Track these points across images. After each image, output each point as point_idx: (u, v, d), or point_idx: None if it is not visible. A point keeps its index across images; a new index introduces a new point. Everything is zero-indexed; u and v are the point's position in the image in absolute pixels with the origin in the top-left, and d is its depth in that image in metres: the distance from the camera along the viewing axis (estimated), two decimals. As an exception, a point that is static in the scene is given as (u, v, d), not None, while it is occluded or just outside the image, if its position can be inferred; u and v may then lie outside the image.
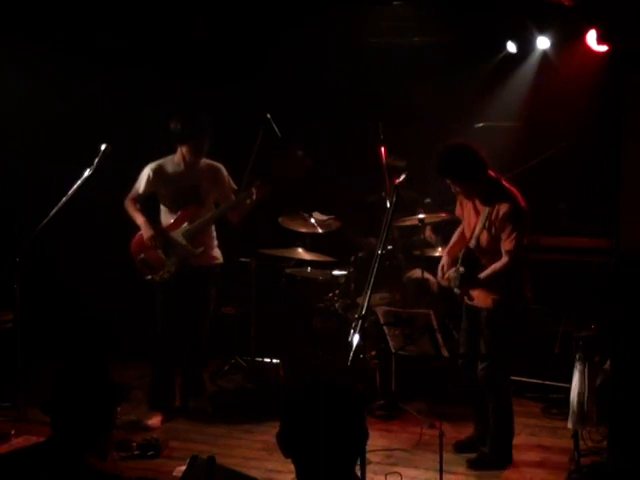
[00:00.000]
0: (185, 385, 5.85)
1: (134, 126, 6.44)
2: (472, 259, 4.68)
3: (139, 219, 5.60)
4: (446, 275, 4.79)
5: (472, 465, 4.81)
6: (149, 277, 5.62)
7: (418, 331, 4.22)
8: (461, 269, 4.65)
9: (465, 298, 4.81)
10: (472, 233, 4.74)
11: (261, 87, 6.95)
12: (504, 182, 4.73)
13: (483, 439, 4.94)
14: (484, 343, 4.71)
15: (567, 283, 5.92)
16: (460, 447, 5.01)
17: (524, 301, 4.80)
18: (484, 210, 4.68)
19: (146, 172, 5.65)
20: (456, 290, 4.77)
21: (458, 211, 5.02)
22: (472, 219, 4.77)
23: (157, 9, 6.65)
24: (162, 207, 5.69)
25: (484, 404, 4.90)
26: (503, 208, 4.61)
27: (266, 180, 5.48)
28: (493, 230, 4.63)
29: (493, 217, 4.63)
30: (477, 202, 4.76)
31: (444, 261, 4.90)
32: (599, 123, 6.14)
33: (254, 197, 5.49)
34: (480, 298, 4.74)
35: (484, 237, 4.68)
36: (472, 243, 4.70)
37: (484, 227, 4.66)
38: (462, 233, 4.97)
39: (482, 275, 4.61)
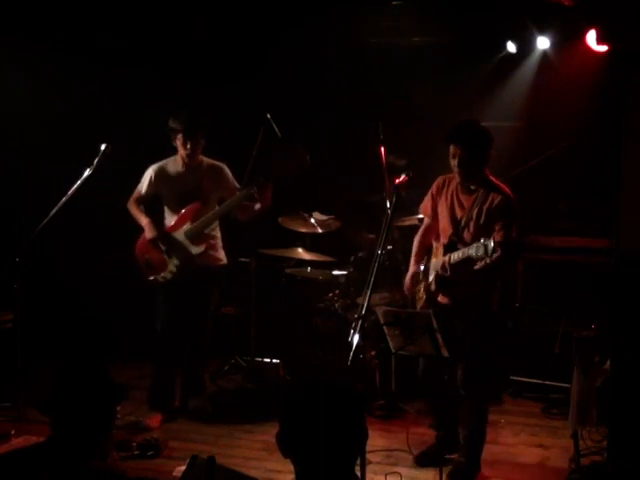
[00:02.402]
0: (185, 385, 5.85)
1: (134, 126, 6.45)
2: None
3: (143, 220, 5.61)
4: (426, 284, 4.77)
5: (454, 478, 4.69)
6: (152, 278, 5.62)
7: (418, 331, 4.21)
8: (447, 258, 4.59)
9: (440, 298, 4.72)
10: (455, 227, 4.67)
11: (261, 87, 6.95)
12: (492, 177, 4.71)
13: (446, 446, 4.86)
14: (464, 344, 4.60)
15: (567, 283, 5.92)
16: (423, 459, 4.88)
17: (505, 303, 4.81)
18: (472, 201, 4.63)
19: (148, 174, 5.67)
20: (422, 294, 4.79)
21: (426, 208, 4.88)
22: (457, 213, 4.68)
23: (157, 9, 6.65)
24: (165, 208, 5.69)
25: (451, 409, 4.84)
26: (498, 198, 4.56)
27: (267, 179, 5.46)
28: (482, 220, 4.56)
29: (486, 206, 4.56)
30: (462, 195, 4.68)
31: (412, 271, 4.88)
32: (599, 123, 6.15)
33: (256, 196, 5.47)
34: (462, 297, 4.67)
35: (471, 228, 4.60)
36: (456, 237, 4.65)
37: (471, 218, 4.61)
38: (424, 236, 4.92)
39: (477, 267, 4.48)
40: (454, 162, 4.59)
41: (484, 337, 4.69)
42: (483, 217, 4.58)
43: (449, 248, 4.63)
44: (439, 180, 4.84)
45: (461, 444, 4.79)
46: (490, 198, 4.58)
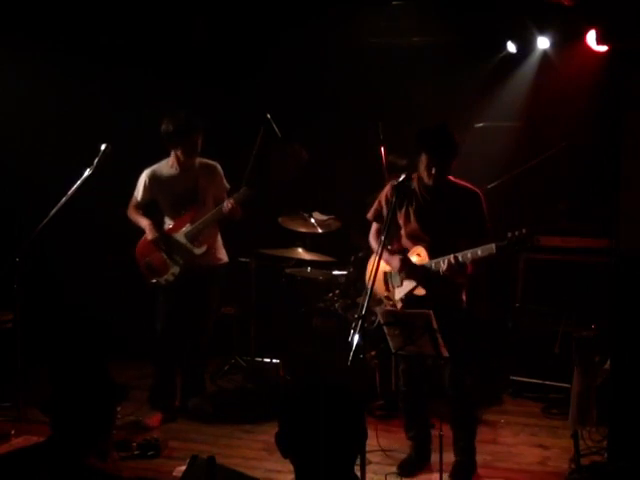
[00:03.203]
0: (185, 385, 5.85)
1: (134, 126, 6.45)
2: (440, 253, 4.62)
3: (143, 222, 5.61)
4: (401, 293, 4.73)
5: (456, 477, 4.71)
6: (154, 281, 5.62)
7: (418, 331, 4.21)
8: (444, 265, 4.54)
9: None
10: (428, 228, 4.66)
11: (261, 87, 6.95)
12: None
13: (424, 455, 4.90)
14: (452, 343, 4.48)
15: (567, 283, 5.92)
16: (407, 468, 4.87)
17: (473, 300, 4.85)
18: (441, 201, 4.62)
19: (142, 179, 5.67)
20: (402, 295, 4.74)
21: (379, 213, 4.80)
22: (426, 214, 4.66)
23: (157, 9, 6.65)
24: (163, 212, 5.69)
25: (426, 413, 4.90)
26: (472, 196, 4.62)
27: (263, 182, 5.44)
28: (459, 218, 4.58)
29: (462, 205, 4.59)
30: (428, 196, 4.65)
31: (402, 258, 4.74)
32: (599, 123, 6.14)
33: (226, 214, 5.46)
34: (445, 296, 4.66)
35: (447, 228, 4.61)
36: (436, 238, 4.63)
37: (445, 217, 4.60)
38: (378, 239, 4.77)
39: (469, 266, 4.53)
40: (431, 170, 4.55)
41: (462, 334, 4.68)
42: (460, 215, 4.60)
43: (435, 251, 4.61)
44: (393, 184, 4.76)
45: (457, 444, 4.79)
46: (463, 196, 4.62)
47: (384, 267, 4.83)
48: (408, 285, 4.73)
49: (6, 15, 6.33)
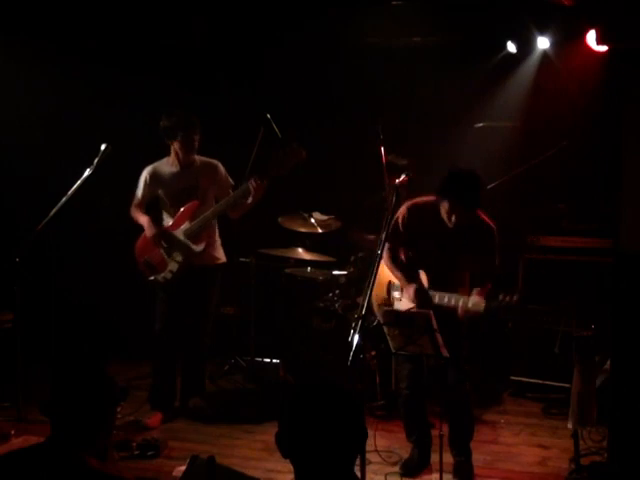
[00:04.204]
0: (185, 385, 5.85)
1: (134, 126, 6.45)
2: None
3: (142, 219, 5.62)
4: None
5: (461, 477, 4.73)
6: (152, 278, 5.62)
7: (418, 331, 4.22)
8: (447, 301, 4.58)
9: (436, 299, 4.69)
10: (443, 258, 4.65)
11: (261, 87, 6.95)
12: None
13: (425, 458, 4.91)
14: (455, 348, 4.51)
15: (567, 283, 5.92)
16: (407, 468, 4.89)
17: None
18: (459, 232, 4.60)
19: (143, 176, 5.68)
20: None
21: (399, 239, 4.74)
22: (444, 244, 4.64)
23: (157, 9, 6.65)
24: (163, 210, 5.69)
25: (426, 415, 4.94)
26: (488, 230, 4.63)
27: (263, 176, 5.43)
28: (475, 250, 4.59)
29: (479, 238, 4.60)
30: (447, 227, 4.60)
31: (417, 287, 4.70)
32: (599, 123, 6.14)
33: (252, 193, 5.45)
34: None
35: (462, 259, 4.62)
36: (442, 269, 4.65)
37: (462, 248, 4.60)
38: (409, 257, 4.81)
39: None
40: (452, 217, 4.53)
41: (461, 337, 4.71)
42: (476, 248, 4.60)
43: (436, 282, 4.65)
44: (411, 209, 4.73)
45: (457, 444, 4.79)
46: (478, 230, 4.62)
47: (389, 276, 4.84)
48: (409, 303, 4.72)
49: (6, 15, 6.33)
